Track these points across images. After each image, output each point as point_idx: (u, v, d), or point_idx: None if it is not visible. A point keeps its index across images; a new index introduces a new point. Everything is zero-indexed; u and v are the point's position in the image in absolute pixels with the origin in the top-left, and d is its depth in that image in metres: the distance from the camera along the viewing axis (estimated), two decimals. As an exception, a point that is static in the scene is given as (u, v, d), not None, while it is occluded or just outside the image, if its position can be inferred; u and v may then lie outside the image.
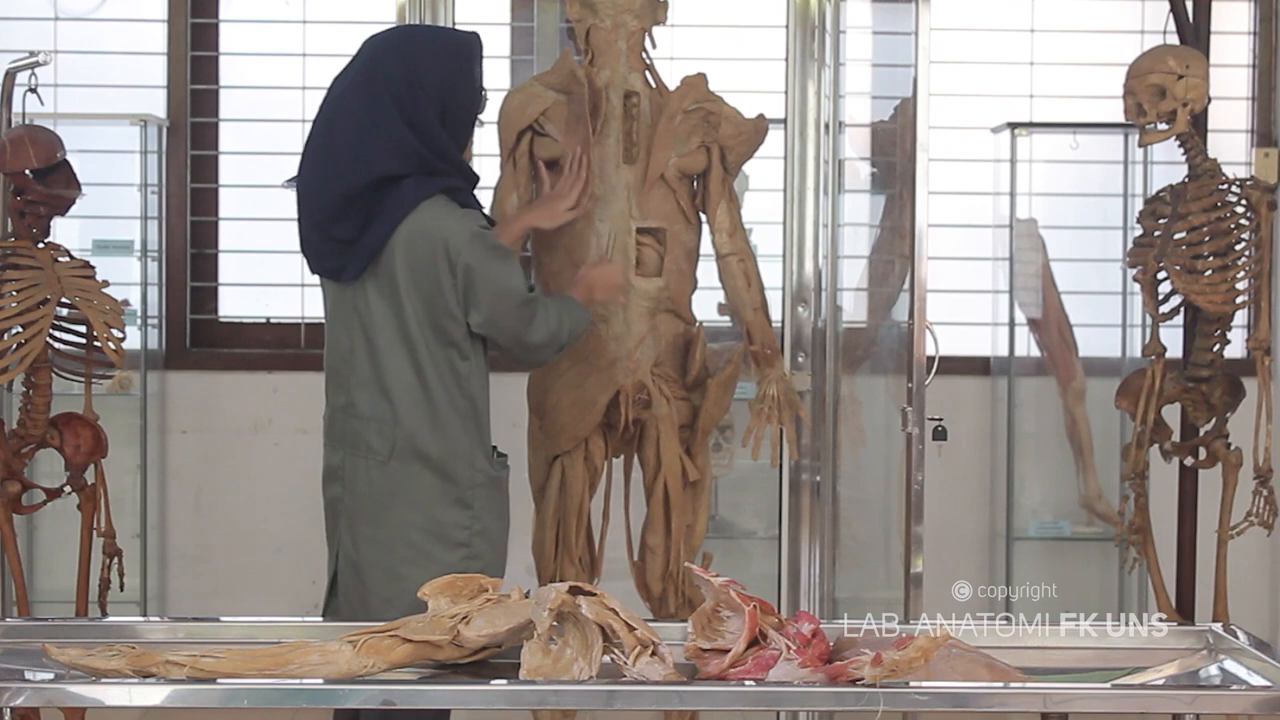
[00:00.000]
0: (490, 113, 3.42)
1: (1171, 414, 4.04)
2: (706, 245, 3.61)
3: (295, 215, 3.27)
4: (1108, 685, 2.46)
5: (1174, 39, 4.06)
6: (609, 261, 3.48)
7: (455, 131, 3.22)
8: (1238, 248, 3.84)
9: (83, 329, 3.74)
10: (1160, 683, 2.53)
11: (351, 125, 3.15)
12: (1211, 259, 3.85)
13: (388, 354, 3.17)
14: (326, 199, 3.18)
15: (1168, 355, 3.96)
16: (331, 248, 3.20)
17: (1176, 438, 4.05)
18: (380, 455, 3.19)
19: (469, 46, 3.26)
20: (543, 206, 3.47)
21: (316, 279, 3.33)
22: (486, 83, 3.30)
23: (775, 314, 3.73)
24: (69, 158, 3.76)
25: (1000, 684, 2.42)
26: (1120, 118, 3.95)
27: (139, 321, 5.00)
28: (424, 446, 3.17)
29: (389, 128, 3.12)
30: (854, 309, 4.32)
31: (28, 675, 2.38)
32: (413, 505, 3.18)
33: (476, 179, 3.30)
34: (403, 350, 3.16)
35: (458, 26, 3.95)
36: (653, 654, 2.39)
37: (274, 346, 5.23)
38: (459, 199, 3.19)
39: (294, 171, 3.27)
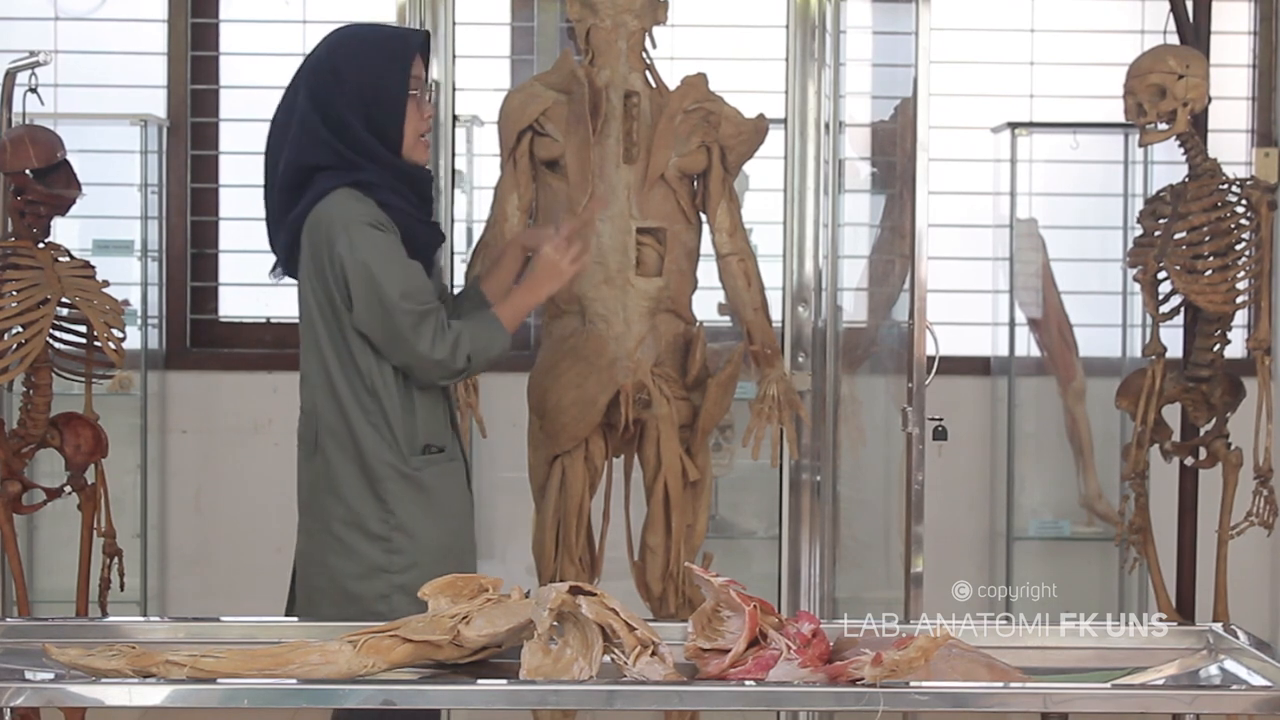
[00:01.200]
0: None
1: (1171, 414, 4.04)
2: (706, 245, 3.61)
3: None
4: (1108, 685, 2.46)
5: (1174, 39, 4.06)
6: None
7: (380, 128, 3.14)
8: (1238, 248, 3.84)
9: (83, 329, 3.75)
10: (1160, 683, 2.53)
11: (282, 118, 3.20)
12: (1211, 259, 3.85)
13: (306, 347, 3.21)
14: (269, 190, 3.22)
15: (1168, 355, 3.96)
16: (274, 239, 3.25)
17: (1176, 438, 4.05)
18: (308, 446, 3.23)
19: (394, 43, 3.18)
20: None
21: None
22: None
23: (775, 314, 3.73)
24: (69, 158, 3.77)
25: (1000, 684, 2.42)
26: (1120, 118, 3.95)
27: (139, 321, 5.00)
28: (339, 439, 3.17)
29: (307, 121, 3.14)
30: (854, 309, 4.32)
31: (28, 675, 2.37)
32: (335, 496, 3.18)
33: (417, 176, 3.21)
34: (313, 343, 3.18)
35: (457, 26, 3.95)
36: (653, 654, 2.39)
37: (274, 346, 5.23)
38: (376, 195, 3.12)
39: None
